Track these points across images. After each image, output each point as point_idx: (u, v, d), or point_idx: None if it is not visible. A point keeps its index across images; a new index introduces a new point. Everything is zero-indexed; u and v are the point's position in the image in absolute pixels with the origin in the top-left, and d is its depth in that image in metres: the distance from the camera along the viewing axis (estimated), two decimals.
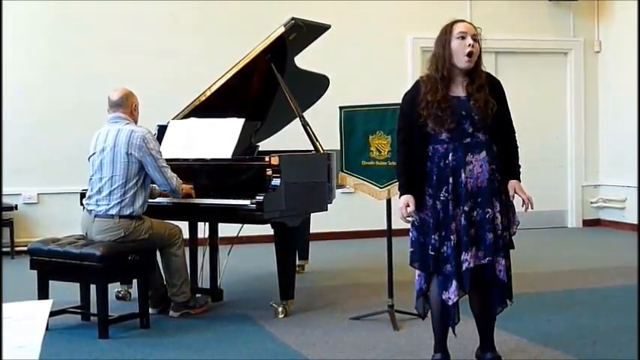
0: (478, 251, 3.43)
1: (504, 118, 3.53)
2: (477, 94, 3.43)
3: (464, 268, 3.41)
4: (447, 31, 3.48)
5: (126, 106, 4.73)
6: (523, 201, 3.45)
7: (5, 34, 7.31)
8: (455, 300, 3.45)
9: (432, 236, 3.45)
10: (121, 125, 4.66)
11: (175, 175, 4.73)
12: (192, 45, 7.95)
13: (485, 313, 3.61)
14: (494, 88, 3.51)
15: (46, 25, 7.66)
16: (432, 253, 3.46)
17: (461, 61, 3.43)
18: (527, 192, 3.48)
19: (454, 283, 3.43)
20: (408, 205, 3.45)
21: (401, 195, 3.52)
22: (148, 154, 4.59)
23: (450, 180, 3.43)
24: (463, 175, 3.43)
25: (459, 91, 3.48)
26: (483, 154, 3.46)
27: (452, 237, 3.41)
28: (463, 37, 3.43)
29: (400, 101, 3.63)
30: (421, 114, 3.45)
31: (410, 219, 3.48)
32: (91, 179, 4.69)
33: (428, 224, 3.48)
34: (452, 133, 3.44)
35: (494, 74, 3.66)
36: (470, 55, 3.42)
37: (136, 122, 4.77)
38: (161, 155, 4.69)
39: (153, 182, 4.74)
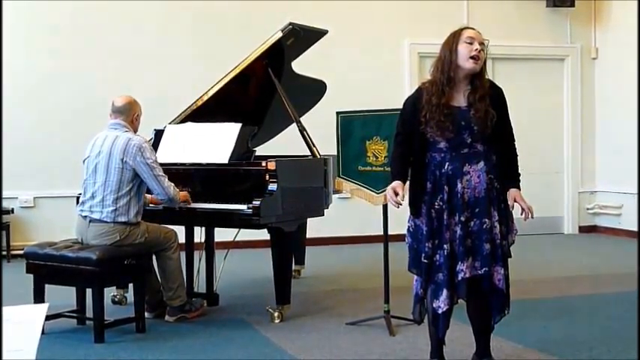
0: (475, 262, 3.43)
1: (505, 126, 3.53)
2: (478, 104, 3.43)
3: (459, 278, 3.41)
4: (455, 35, 3.50)
5: (128, 114, 4.72)
6: (522, 210, 3.46)
7: (4, 37, 7.29)
8: (444, 309, 3.45)
9: (426, 244, 3.46)
10: (120, 132, 4.66)
11: (172, 184, 4.71)
12: (189, 49, 7.95)
13: (482, 320, 3.61)
14: (495, 96, 3.51)
15: (43, 29, 7.64)
16: (425, 260, 3.46)
17: (466, 63, 3.44)
18: (527, 201, 3.48)
19: (444, 292, 3.43)
20: (396, 193, 3.44)
21: (391, 181, 3.51)
22: (144, 164, 4.57)
23: (446, 189, 3.43)
24: (460, 185, 3.43)
25: (460, 99, 3.48)
26: (481, 164, 3.46)
27: (445, 246, 3.42)
28: (471, 43, 3.45)
29: (397, 106, 3.63)
30: (422, 120, 3.45)
31: (398, 203, 3.46)
32: (84, 183, 4.69)
33: (421, 231, 3.48)
34: (450, 142, 3.45)
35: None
36: (474, 58, 3.43)
37: (135, 132, 4.76)
38: (157, 164, 4.67)
39: (148, 191, 4.74)
